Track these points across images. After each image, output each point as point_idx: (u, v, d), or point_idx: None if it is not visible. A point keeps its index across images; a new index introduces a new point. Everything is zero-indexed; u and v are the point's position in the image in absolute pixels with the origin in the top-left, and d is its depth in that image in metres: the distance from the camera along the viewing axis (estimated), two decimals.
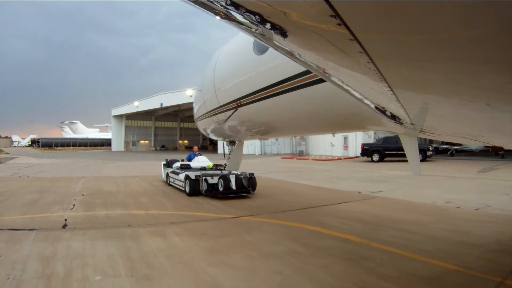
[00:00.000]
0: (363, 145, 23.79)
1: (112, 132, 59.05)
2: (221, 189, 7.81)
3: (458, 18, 0.77)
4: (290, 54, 1.68)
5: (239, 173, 8.49)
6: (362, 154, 23.58)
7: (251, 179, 8.43)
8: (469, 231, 4.87)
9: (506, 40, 0.82)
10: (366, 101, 2.38)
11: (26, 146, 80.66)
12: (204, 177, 8.15)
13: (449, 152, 26.26)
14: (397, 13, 0.83)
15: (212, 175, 8.27)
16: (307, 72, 3.48)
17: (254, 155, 33.43)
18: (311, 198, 7.93)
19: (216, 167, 9.77)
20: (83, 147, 70.24)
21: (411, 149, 3.59)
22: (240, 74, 5.09)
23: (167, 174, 10.42)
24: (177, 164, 10.49)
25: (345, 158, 26.41)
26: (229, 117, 5.83)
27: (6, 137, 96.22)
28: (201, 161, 10.68)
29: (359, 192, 8.89)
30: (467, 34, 0.85)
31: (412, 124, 2.64)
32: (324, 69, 1.80)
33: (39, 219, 5.52)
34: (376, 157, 22.56)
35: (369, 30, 1.00)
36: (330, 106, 3.76)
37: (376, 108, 2.55)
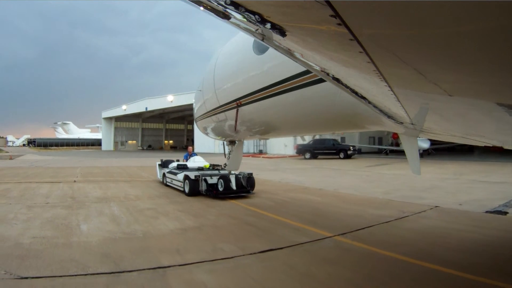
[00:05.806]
0: (298, 145, 29.12)
1: (102, 133, 63.32)
2: (221, 189, 7.81)
3: (458, 18, 0.77)
4: (290, 54, 1.70)
5: (237, 173, 8.59)
6: (297, 153, 29.23)
7: (250, 178, 8.47)
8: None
9: (506, 40, 0.82)
10: (366, 101, 2.41)
11: (21, 146, 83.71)
12: (203, 177, 8.13)
13: (383, 152, 30.95)
14: (397, 13, 0.83)
15: (211, 175, 8.28)
16: (307, 72, 3.56)
17: (223, 154, 39.60)
18: None
19: (213, 167, 9.75)
20: (75, 147, 73.48)
21: (411, 149, 3.54)
22: (240, 74, 5.16)
23: (164, 174, 10.48)
24: (174, 165, 10.51)
25: (290, 156, 32.01)
26: (228, 117, 5.91)
27: (0, 137, 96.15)
28: (197, 161, 10.70)
29: None
30: (467, 34, 0.85)
31: (412, 124, 2.67)
32: (324, 69, 1.81)
33: (61, 180, 11.95)
34: (307, 155, 27.81)
35: (369, 30, 1.00)
36: (330, 106, 3.81)
37: (376, 107, 2.59)
